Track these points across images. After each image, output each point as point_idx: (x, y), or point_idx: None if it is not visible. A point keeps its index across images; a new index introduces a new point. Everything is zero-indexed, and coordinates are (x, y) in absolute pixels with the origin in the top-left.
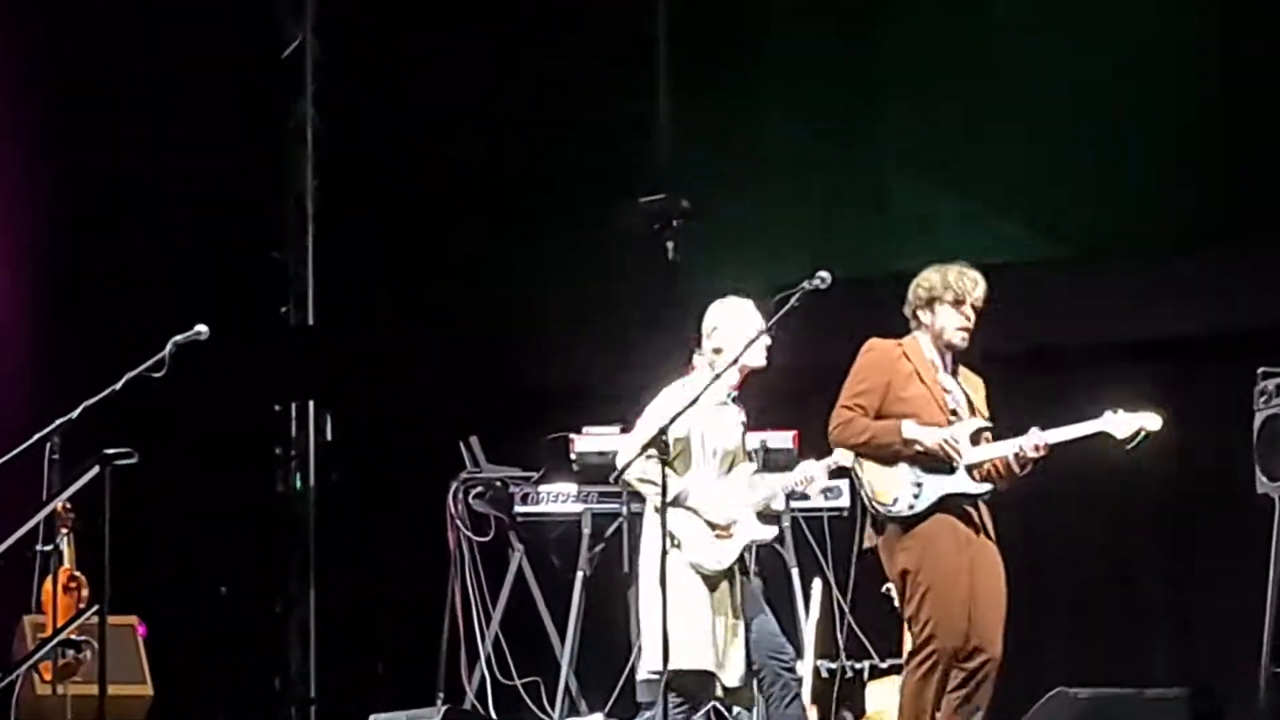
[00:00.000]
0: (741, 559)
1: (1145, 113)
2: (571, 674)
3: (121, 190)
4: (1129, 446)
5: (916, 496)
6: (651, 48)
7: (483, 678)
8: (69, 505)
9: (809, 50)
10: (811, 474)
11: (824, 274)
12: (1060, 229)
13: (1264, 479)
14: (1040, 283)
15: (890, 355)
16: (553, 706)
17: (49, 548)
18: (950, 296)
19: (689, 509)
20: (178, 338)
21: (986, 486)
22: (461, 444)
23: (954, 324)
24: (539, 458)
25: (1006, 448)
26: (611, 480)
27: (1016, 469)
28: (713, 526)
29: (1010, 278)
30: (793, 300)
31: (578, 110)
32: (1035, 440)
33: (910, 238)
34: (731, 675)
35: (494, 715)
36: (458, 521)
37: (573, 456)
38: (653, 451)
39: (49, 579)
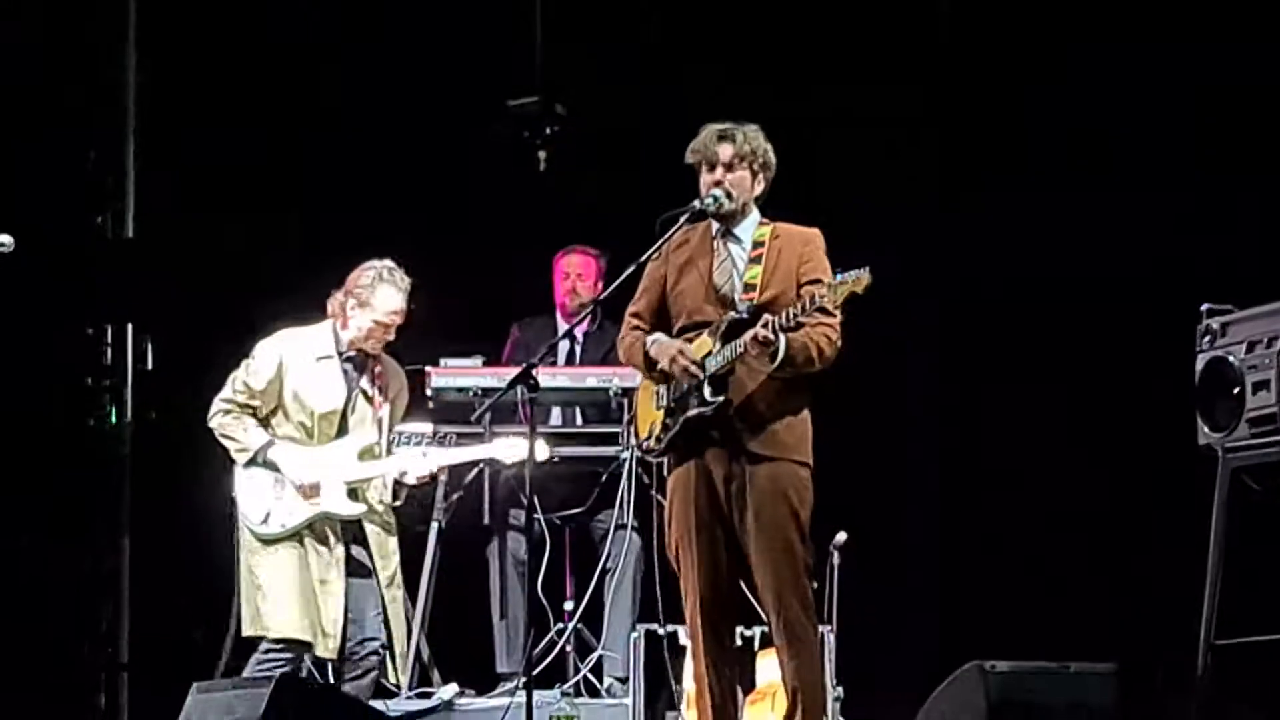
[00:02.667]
0: (359, 525)
1: None
2: (424, 638)
3: None
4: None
5: None
6: None
7: None
8: None
9: None
10: (405, 468)
11: (717, 192)
12: None
13: (1205, 429)
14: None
15: None
16: (400, 675)
17: None
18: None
19: (269, 464)
20: None
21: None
22: None
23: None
24: None
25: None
26: (472, 420)
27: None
28: (297, 487)
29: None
30: (681, 221)
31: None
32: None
33: None
34: (326, 646)
35: (333, 683)
36: None
37: (428, 392)
38: (230, 407)
39: None
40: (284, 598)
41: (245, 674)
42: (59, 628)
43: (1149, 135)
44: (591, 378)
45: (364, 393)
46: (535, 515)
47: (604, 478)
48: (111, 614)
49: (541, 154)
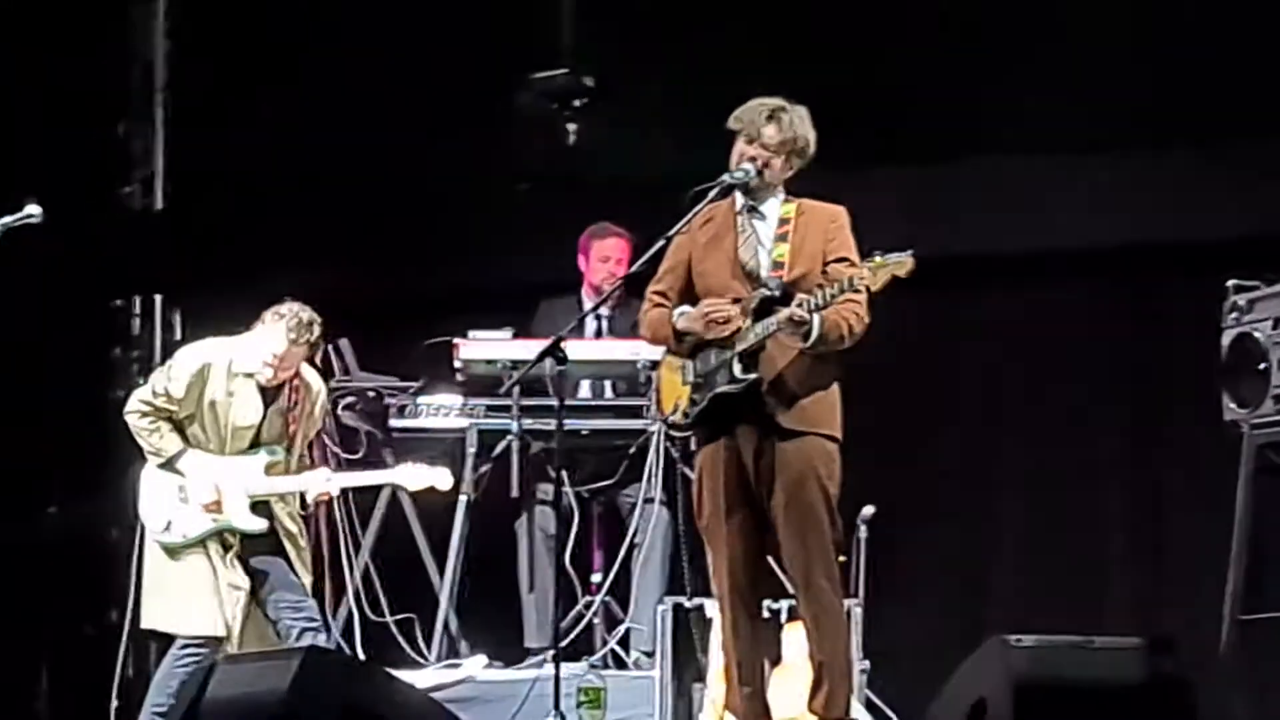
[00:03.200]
0: (275, 535)
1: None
2: (452, 611)
3: None
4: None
5: None
6: None
7: (350, 614)
8: None
9: None
10: (307, 487)
11: (748, 166)
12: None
13: (1232, 405)
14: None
15: None
16: (429, 647)
17: None
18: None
19: (178, 472)
20: (6, 219)
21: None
22: (330, 348)
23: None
24: (418, 365)
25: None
26: (501, 392)
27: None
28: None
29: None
30: (711, 195)
31: None
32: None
33: None
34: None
35: (362, 656)
36: (325, 436)
37: (457, 364)
38: (147, 409)
39: None
40: (196, 596)
41: (161, 673)
42: (83, 600)
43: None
44: (620, 350)
45: (280, 409)
46: (564, 489)
47: (632, 451)
48: (137, 584)
49: (570, 127)
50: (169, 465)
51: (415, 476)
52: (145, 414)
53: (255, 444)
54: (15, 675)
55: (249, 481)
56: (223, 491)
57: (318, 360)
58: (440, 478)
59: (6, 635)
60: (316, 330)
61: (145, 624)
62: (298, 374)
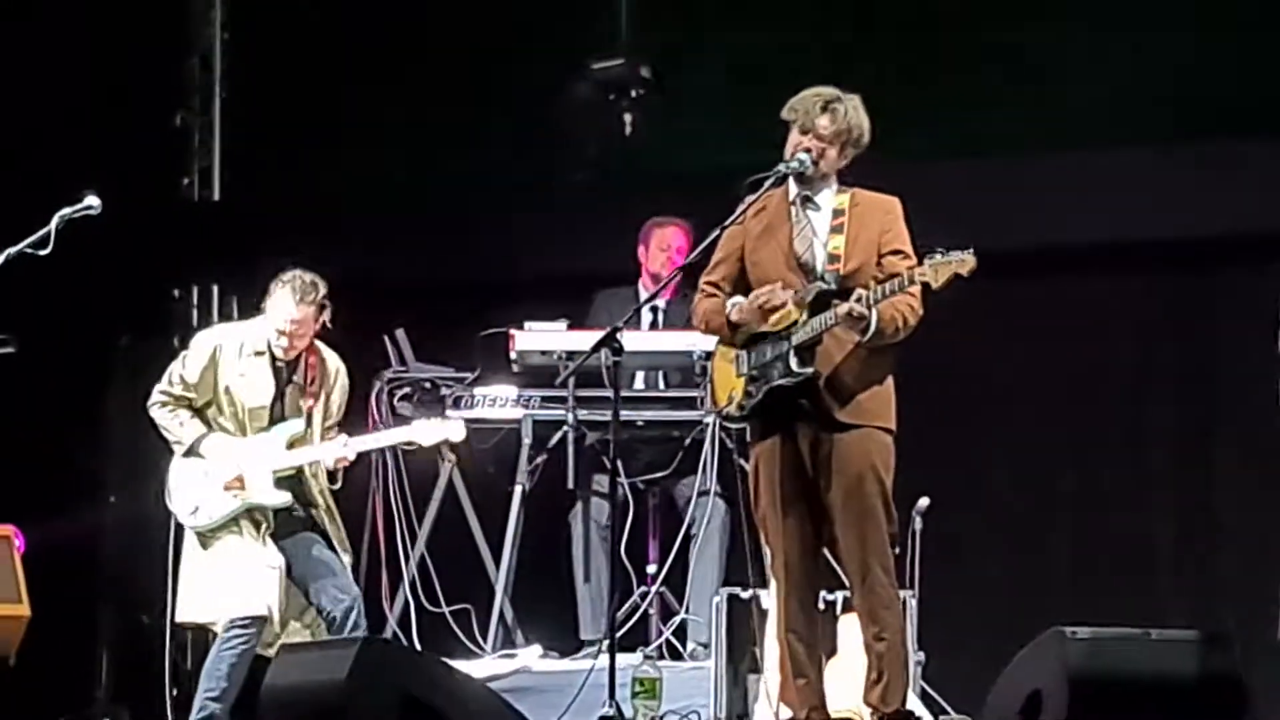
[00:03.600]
0: (310, 519)
1: None
2: (507, 601)
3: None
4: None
5: None
6: None
7: (406, 604)
8: None
9: None
10: (325, 455)
11: (803, 156)
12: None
13: None
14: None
15: None
16: (485, 637)
17: None
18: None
19: (200, 456)
20: (65, 211)
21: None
22: (386, 338)
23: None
24: (474, 356)
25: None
26: (556, 383)
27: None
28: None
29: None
30: (766, 185)
31: None
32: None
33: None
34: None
35: (418, 646)
36: (381, 427)
37: (512, 355)
38: (166, 399)
39: None
40: (231, 581)
41: (210, 659)
42: (140, 590)
43: None
44: (675, 342)
45: (297, 386)
46: (619, 479)
47: (687, 442)
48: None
49: (627, 117)
50: (192, 451)
51: (429, 431)
52: (165, 404)
53: (272, 423)
54: (76, 665)
55: (270, 457)
56: (244, 469)
57: (328, 331)
58: (453, 429)
59: (67, 625)
60: (321, 289)
61: (179, 619)
62: (315, 350)
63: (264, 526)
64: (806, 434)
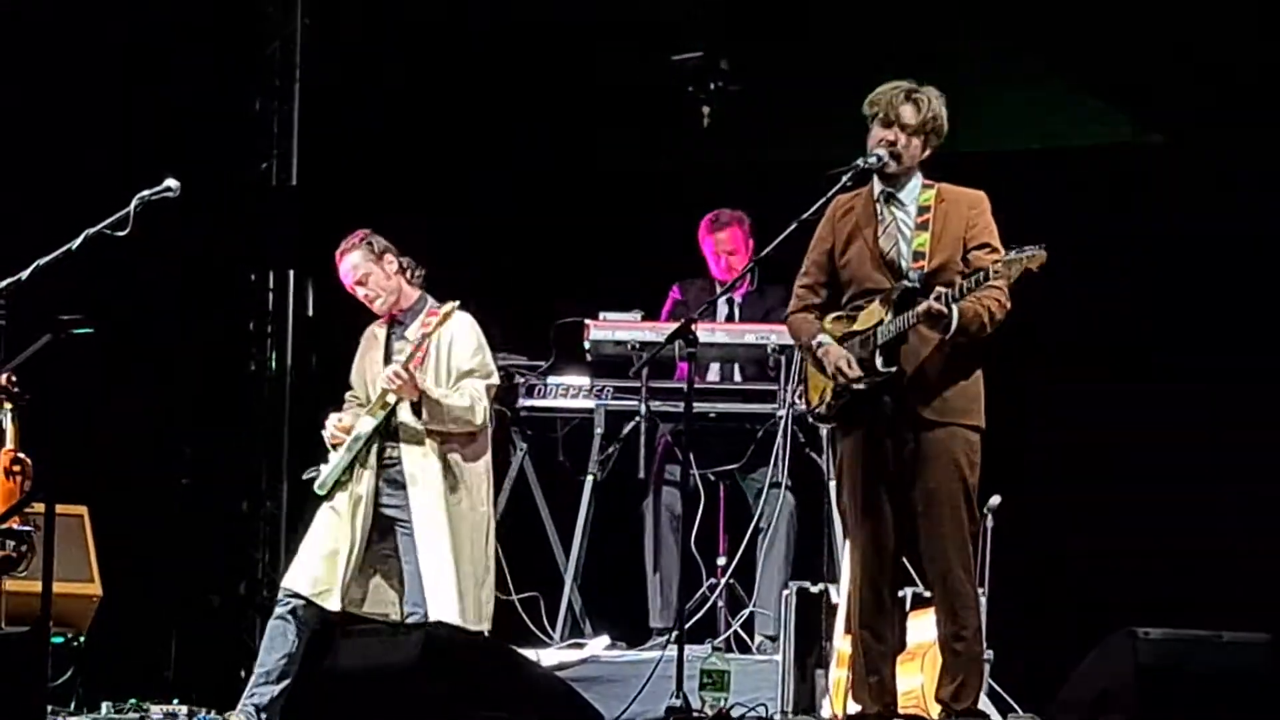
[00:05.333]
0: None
1: None
2: (576, 590)
3: (87, 30)
4: None
5: None
6: None
7: None
8: (14, 378)
9: None
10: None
11: (881, 152)
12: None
13: None
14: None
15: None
16: (553, 626)
17: None
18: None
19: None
20: (144, 193)
21: None
22: None
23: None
24: (548, 345)
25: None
26: (630, 374)
27: None
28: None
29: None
30: (844, 179)
31: None
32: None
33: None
34: (333, 601)
35: (485, 635)
36: None
37: (586, 345)
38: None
39: None
40: (303, 554)
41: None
42: (214, 569)
43: None
44: (750, 334)
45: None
46: (690, 470)
47: (760, 435)
48: (267, 557)
49: (705, 110)
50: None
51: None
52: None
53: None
54: (146, 645)
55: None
56: (348, 423)
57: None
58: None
59: (138, 606)
60: (357, 235)
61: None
62: (414, 310)
63: (362, 502)
64: (892, 430)
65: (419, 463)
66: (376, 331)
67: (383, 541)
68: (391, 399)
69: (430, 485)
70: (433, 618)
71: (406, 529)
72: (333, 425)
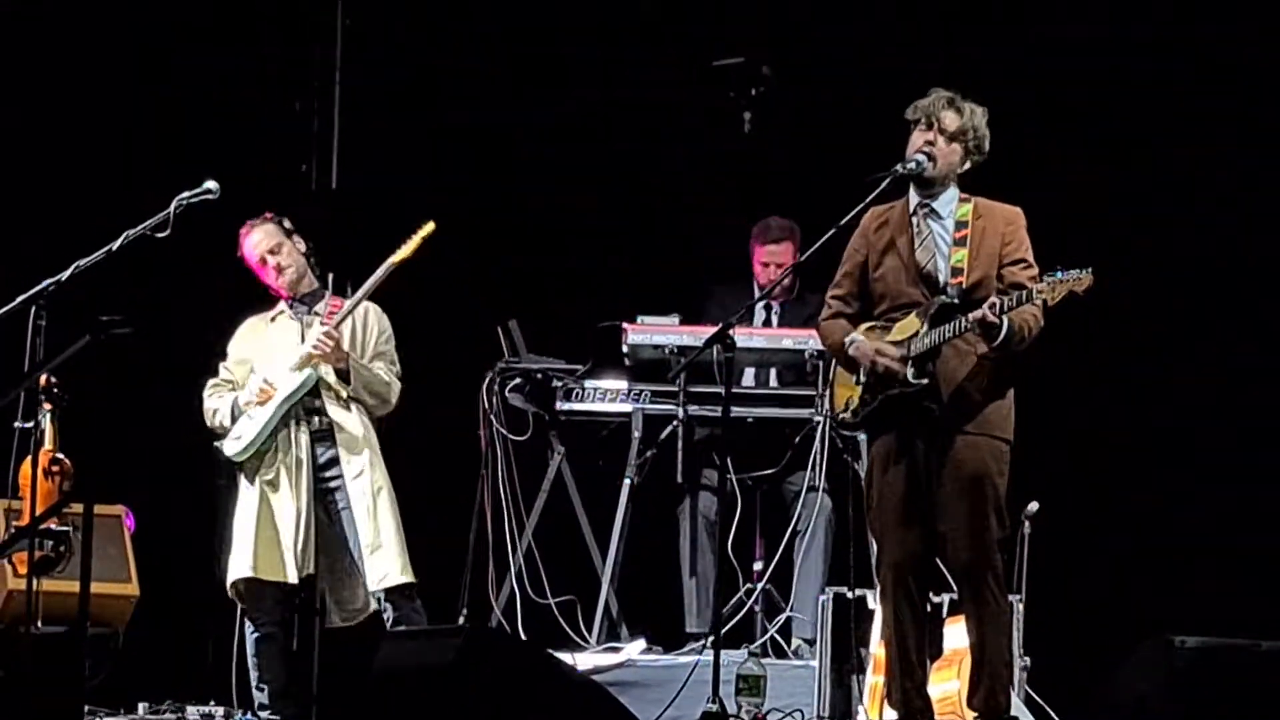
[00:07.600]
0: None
1: None
2: (613, 594)
3: (124, 30)
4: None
5: None
6: None
7: (512, 594)
8: (54, 378)
9: None
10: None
11: (919, 157)
12: None
13: None
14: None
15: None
16: (589, 630)
17: (29, 425)
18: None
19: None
20: (184, 195)
21: None
22: (499, 328)
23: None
24: (586, 348)
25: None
26: (668, 378)
27: None
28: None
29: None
30: (883, 184)
31: None
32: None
33: None
34: (291, 573)
35: (523, 636)
36: (491, 417)
37: (624, 348)
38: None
39: (27, 460)
40: (238, 540)
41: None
42: None
43: None
44: (788, 339)
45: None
46: (728, 475)
47: (797, 440)
48: None
49: (746, 115)
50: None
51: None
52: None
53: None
54: (183, 646)
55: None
56: (268, 380)
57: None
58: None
59: (175, 606)
60: (284, 220)
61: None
62: (316, 295)
63: (304, 466)
64: (922, 439)
65: (347, 416)
66: (273, 316)
67: (318, 503)
68: (316, 364)
69: (361, 438)
70: (378, 570)
71: (339, 481)
72: (258, 384)
